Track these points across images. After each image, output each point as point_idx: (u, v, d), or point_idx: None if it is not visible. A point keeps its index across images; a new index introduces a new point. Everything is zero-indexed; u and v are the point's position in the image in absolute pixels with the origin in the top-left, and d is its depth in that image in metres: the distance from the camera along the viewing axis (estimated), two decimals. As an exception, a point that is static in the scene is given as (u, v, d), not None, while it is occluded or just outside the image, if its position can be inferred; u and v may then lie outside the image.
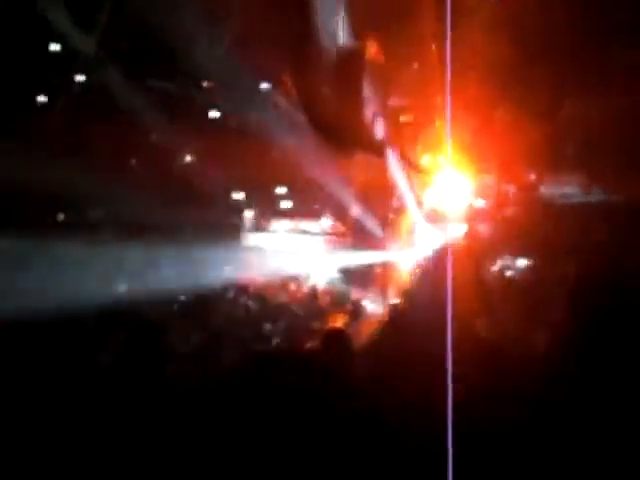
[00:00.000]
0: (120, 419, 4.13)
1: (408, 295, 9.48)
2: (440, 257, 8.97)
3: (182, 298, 10.40)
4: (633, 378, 3.71)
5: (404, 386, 3.95)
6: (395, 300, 10.10)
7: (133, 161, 11.22)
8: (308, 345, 9.79)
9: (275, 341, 10.38)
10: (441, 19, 9.37)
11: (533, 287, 9.33)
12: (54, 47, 11.24)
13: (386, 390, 4.00)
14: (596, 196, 10.26)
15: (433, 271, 8.38)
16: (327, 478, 3.85)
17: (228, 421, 4.16)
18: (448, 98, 9.00)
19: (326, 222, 11.79)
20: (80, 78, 11.36)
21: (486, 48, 10.50)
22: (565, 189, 10.52)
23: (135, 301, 8.41)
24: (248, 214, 11.79)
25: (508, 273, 9.92)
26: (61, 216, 11.13)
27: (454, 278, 6.69)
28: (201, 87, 11.72)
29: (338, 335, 5.72)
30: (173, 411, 4.23)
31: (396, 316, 8.49)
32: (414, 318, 7.09)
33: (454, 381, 3.91)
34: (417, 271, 10.08)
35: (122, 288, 9.90)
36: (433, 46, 10.43)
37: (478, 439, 3.67)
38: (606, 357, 3.91)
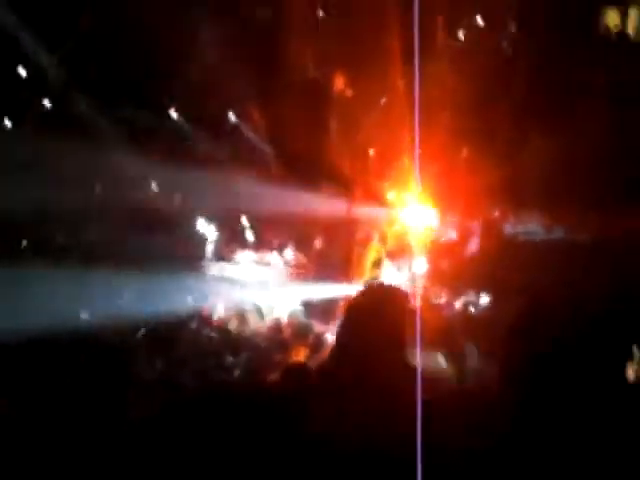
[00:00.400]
0: (74, 441, 4.09)
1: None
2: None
3: (145, 326, 10.39)
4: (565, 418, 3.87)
5: (363, 420, 3.93)
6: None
7: (98, 188, 11.19)
8: (269, 378, 9.78)
9: (236, 372, 10.39)
10: (409, 57, 9.50)
11: (492, 323, 9.44)
12: (21, 70, 11.21)
13: (344, 424, 3.97)
14: (557, 234, 10.41)
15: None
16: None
17: (181, 450, 4.11)
18: (416, 134, 9.11)
19: (290, 254, 11.82)
20: (47, 103, 11.32)
21: (453, 89, 10.71)
22: (528, 227, 10.67)
23: (98, 328, 8.41)
24: (212, 244, 11.79)
25: (471, 309, 10.04)
26: (24, 242, 11.08)
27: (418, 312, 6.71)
28: (169, 117, 11.73)
29: (299, 369, 5.69)
30: (130, 436, 4.18)
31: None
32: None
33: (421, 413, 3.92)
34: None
35: (85, 315, 9.90)
36: (401, 83, 10.57)
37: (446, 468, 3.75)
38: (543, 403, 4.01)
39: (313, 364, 9.49)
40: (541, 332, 4.19)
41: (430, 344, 7.55)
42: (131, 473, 3.98)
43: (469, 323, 9.67)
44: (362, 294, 4.39)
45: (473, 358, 8.60)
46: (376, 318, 4.06)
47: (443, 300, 10.15)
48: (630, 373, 4.67)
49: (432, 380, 4.62)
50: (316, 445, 3.87)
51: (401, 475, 3.71)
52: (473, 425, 3.93)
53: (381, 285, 6.47)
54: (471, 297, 10.09)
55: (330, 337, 10.63)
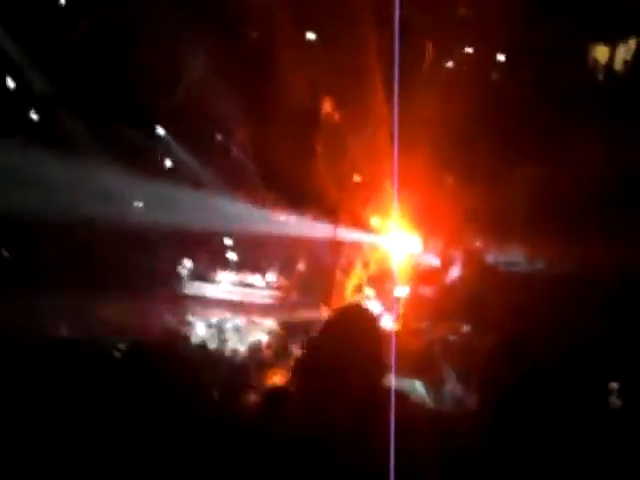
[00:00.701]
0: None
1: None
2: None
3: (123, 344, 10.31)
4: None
5: (336, 434, 3.96)
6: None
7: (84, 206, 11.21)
8: (248, 401, 9.76)
9: (215, 394, 10.31)
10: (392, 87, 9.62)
11: (471, 350, 9.47)
12: (9, 83, 11.25)
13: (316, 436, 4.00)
14: (538, 266, 10.47)
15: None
16: None
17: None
18: (396, 162, 9.20)
19: (272, 276, 11.86)
20: (34, 116, 11.37)
21: (438, 119, 10.79)
22: (509, 257, 10.73)
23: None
24: (195, 263, 11.82)
25: (451, 337, 10.05)
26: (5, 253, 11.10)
27: (398, 337, 6.75)
28: (157, 135, 11.79)
29: (278, 396, 5.66)
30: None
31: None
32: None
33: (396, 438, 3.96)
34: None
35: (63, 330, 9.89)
36: (387, 112, 10.66)
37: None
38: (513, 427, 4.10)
39: (293, 389, 9.51)
40: (519, 361, 4.24)
41: (409, 368, 7.60)
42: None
43: (448, 349, 9.67)
44: (337, 313, 4.47)
45: (451, 383, 8.63)
46: (349, 336, 4.11)
47: (423, 326, 10.19)
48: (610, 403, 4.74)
49: (406, 401, 4.66)
50: (291, 461, 3.88)
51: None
52: (447, 446, 3.96)
53: (356, 305, 6.55)
54: (451, 324, 10.12)
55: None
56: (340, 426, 3.97)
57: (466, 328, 10.13)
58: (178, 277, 11.59)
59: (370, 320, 4.36)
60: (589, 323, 8.26)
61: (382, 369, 4.25)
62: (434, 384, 8.29)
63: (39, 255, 10.70)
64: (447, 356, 9.26)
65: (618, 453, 4.02)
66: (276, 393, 6.39)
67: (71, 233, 10.41)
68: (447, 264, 10.99)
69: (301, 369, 4.62)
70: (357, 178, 11.53)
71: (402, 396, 4.46)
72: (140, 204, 11.42)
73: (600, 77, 11.09)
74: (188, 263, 11.71)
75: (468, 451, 3.99)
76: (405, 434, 3.89)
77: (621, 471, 3.96)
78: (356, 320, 4.19)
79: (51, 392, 4.50)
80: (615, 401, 5.02)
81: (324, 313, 10.59)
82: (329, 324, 4.36)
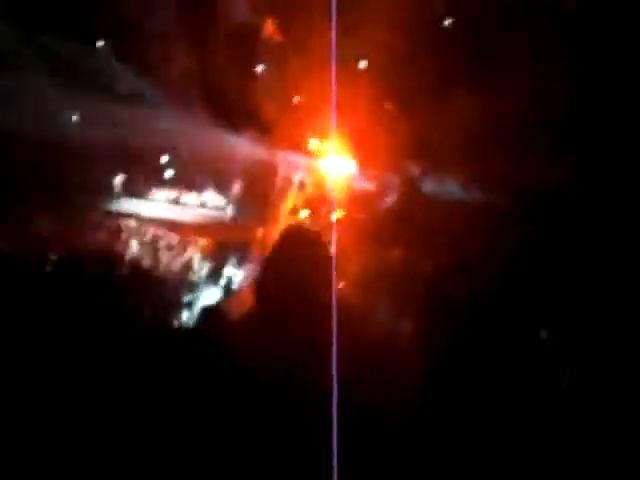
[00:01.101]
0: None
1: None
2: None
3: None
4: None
5: (282, 353, 4.06)
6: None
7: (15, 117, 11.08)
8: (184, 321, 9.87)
9: (146, 310, 10.39)
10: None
11: (406, 278, 9.62)
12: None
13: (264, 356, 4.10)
14: (474, 194, 10.60)
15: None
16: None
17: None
18: (333, 85, 9.23)
19: (208, 195, 11.80)
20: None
21: (378, 44, 10.80)
22: (445, 185, 10.81)
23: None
24: (130, 181, 11.70)
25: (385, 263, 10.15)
26: None
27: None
28: (94, 50, 11.62)
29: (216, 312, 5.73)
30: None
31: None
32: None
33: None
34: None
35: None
36: (329, 34, 10.62)
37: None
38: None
39: (226, 305, 9.60)
40: (461, 289, 4.37)
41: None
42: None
43: (384, 275, 9.80)
44: (282, 236, 4.56)
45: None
46: (295, 257, 4.23)
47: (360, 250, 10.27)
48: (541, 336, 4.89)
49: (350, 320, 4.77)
50: (238, 377, 3.97)
51: (317, 405, 3.86)
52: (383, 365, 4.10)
53: (299, 228, 6.64)
54: (386, 250, 10.21)
55: (243, 278, 10.75)
56: (293, 332, 4.13)
57: (399, 255, 10.26)
58: (113, 194, 11.50)
59: (311, 243, 4.48)
60: (521, 255, 8.47)
61: (323, 287, 4.39)
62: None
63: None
64: (383, 281, 9.37)
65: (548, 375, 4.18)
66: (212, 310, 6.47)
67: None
68: (383, 190, 11.05)
69: (256, 286, 4.74)
70: (296, 99, 11.48)
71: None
72: (77, 118, 11.29)
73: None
74: (122, 177, 11.63)
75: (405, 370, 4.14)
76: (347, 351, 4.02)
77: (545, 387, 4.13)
78: (298, 243, 4.35)
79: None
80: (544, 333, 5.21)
81: (259, 233, 10.68)
82: (276, 246, 4.50)
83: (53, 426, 3.98)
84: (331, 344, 4.06)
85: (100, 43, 11.48)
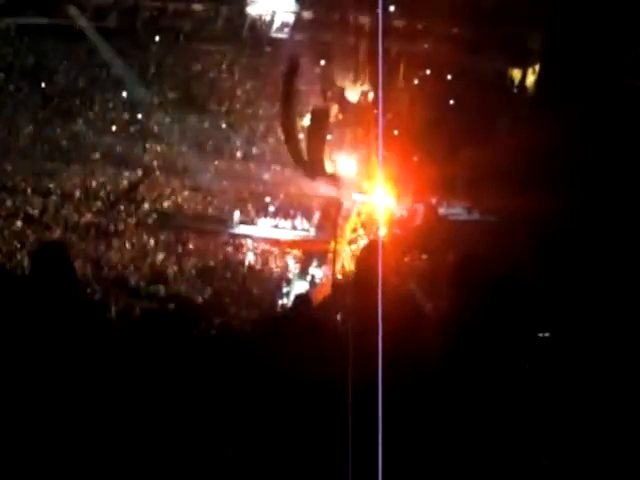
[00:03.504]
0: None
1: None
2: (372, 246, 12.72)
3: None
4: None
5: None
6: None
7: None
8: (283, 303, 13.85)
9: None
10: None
11: (429, 275, 10.97)
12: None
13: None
14: (474, 216, 14.31)
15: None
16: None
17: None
18: (380, 144, 11.20)
19: (298, 221, 16.24)
20: None
21: (409, 116, 15.02)
22: (455, 210, 14.51)
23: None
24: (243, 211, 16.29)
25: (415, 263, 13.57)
26: None
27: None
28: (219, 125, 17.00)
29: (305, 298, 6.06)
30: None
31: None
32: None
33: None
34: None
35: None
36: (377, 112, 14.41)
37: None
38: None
39: (311, 293, 12.79)
40: (472, 274, 3.98)
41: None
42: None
43: (415, 269, 12.14)
44: (364, 248, 4.55)
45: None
46: (371, 263, 3.77)
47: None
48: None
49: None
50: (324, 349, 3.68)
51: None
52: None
53: (374, 242, 5.90)
54: (415, 255, 13.56)
55: (322, 275, 14.79)
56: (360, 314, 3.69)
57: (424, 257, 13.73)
58: (234, 221, 16.18)
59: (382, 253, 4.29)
60: (510, 257, 10.64)
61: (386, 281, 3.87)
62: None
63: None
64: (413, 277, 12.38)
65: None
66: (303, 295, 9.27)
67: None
68: (412, 215, 14.97)
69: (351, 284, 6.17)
70: (354, 156, 15.82)
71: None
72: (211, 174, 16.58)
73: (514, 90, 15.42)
74: (239, 212, 16.28)
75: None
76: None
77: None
78: (374, 253, 3.90)
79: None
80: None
81: (331, 245, 14.45)
82: (362, 254, 4.25)
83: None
84: (390, 330, 3.51)
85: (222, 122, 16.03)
